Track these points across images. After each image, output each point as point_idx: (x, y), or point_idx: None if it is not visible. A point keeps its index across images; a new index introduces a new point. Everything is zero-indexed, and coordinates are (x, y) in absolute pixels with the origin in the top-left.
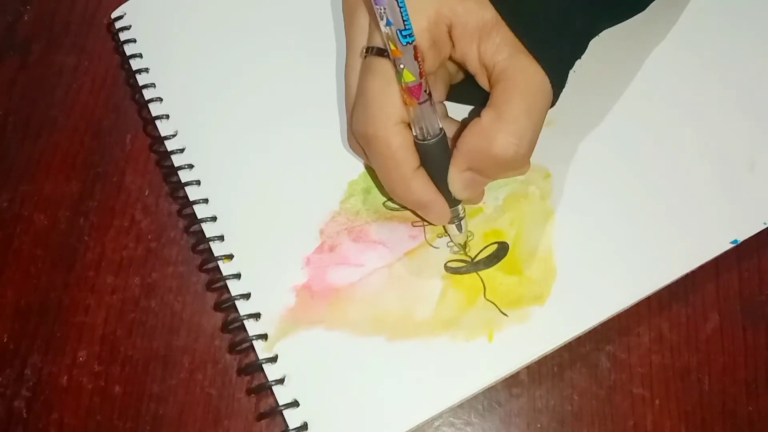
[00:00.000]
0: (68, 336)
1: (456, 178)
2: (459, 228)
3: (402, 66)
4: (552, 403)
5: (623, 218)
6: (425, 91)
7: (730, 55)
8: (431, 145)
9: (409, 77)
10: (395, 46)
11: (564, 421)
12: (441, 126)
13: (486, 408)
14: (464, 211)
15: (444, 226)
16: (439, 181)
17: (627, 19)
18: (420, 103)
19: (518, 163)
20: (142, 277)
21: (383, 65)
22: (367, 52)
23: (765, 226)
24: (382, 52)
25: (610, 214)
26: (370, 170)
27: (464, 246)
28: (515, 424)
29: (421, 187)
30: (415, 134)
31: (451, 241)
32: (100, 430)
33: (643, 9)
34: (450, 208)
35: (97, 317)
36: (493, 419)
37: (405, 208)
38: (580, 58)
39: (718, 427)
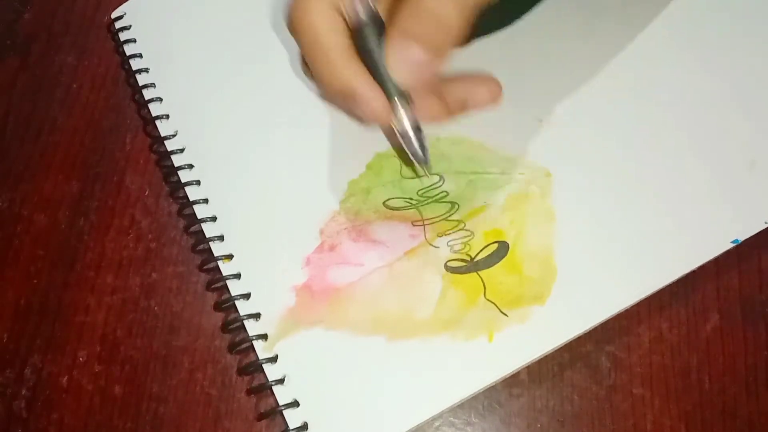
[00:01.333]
0: (68, 336)
1: (393, 54)
2: (418, 142)
3: None
4: (552, 403)
5: (624, 217)
6: None
7: (730, 54)
8: (365, 26)
9: None
10: None
11: (564, 421)
12: (375, 6)
13: (486, 408)
14: (409, 103)
15: (407, 150)
16: (376, 71)
17: None
18: None
19: (454, 17)
20: (142, 277)
21: None
22: None
23: (766, 226)
24: None
25: (610, 213)
26: (370, 169)
27: (424, 163)
28: (515, 424)
29: (349, 70)
30: (348, 16)
31: (415, 162)
32: (100, 430)
33: None
34: (391, 100)
35: (97, 317)
36: (493, 419)
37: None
38: None
39: (718, 427)
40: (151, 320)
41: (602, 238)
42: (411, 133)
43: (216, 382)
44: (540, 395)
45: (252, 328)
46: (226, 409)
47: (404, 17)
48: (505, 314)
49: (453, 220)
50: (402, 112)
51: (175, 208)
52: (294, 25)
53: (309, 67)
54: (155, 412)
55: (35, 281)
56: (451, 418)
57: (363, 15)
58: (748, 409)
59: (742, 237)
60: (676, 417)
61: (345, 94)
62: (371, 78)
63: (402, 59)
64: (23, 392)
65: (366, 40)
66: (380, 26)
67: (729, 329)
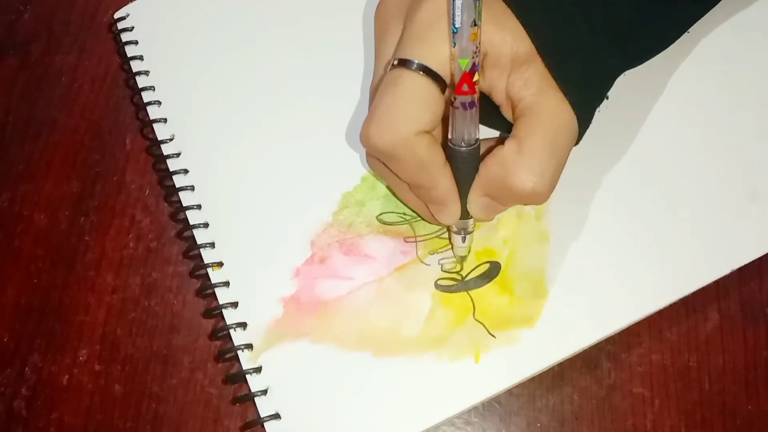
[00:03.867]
0: (68, 335)
1: (474, 201)
2: (464, 239)
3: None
4: (552, 402)
5: (618, 242)
6: (476, 99)
7: (733, 84)
8: (463, 152)
9: (464, 63)
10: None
11: (564, 420)
12: (477, 137)
13: (486, 407)
14: (474, 225)
15: (450, 236)
16: (460, 189)
17: (652, 57)
18: (468, 108)
19: (536, 199)
20: (143, 277)
21: (409, 77)
22: (393, 64)
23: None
24: (406, 63)
25: (605, 237)
26: (365, 182)
27: (463, 260)
28: (515, 423)
29: (448, 182)
30: (450, 137)
31: (453, 253)
32: (100, 429)
33: (667, 46)
34: (461, 216)
35: (98, 316)
36: (493, 418)
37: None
38: (607, 98)
39: (718, 426)
40: (152, 319)
41: (596, 261)
42: (465, 241)
43: (216, 382)
44: (540, 394)
45: (238, 337)
46: (226, 409)
47: (492, 184)
48: (493, 335)
49: (445, 238)
50: (467, 227)
51: (172, 210)
52: (391, 151)
53: (404, 178)
54: (155, 411)
55: (35, 281)
56: (451, 417)
57: (466, 146)
58: (748, 409)
59: (738, 265)
60: (676, 416)
61: (436, 200)
62: (457, 192)
63: (482, 206)
64: (23, 391)
65: (460, 162)
66: (476, 153)
67: (729, 329)
